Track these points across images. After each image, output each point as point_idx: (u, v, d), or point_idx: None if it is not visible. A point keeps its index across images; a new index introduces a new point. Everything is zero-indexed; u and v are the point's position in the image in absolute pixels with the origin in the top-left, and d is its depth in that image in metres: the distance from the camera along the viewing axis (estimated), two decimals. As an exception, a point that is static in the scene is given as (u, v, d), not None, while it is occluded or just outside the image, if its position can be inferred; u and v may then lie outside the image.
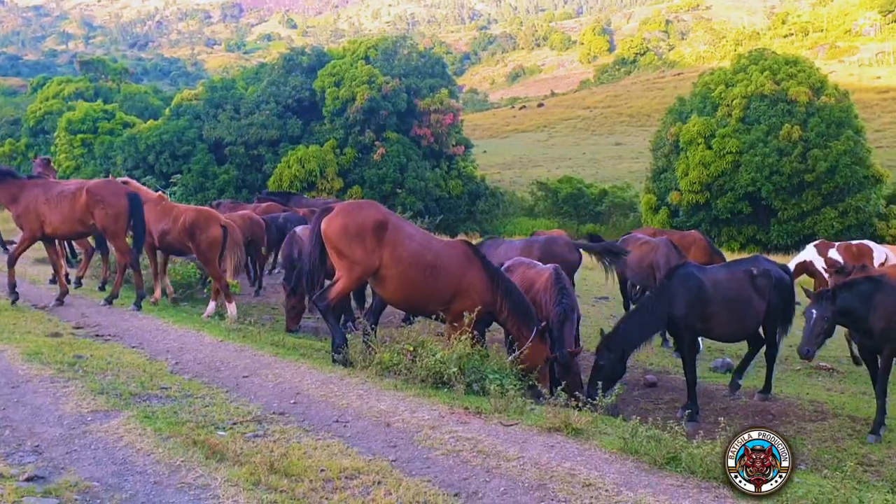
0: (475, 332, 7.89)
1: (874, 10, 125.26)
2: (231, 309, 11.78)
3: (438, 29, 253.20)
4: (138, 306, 11.63)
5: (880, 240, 43.74)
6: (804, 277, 15.79)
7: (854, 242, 16.01)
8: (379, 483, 4.90)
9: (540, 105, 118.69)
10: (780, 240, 42.28)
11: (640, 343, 9.08)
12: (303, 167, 45.13)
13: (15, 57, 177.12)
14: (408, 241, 8.18)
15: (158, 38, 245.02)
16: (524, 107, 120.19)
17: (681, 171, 44.53)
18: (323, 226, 8.19)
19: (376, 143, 47.51)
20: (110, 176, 42.06)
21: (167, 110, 51.98)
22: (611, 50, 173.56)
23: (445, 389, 7.04)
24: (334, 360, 8.07)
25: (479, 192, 52.35)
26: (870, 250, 15.37)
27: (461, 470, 5.23)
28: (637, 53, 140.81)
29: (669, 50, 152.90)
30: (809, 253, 15.61)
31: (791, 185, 42.33)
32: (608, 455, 5.55)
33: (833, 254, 15.34)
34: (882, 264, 15.17)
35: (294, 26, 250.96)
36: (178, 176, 43.58)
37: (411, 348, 7.33)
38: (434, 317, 8.61)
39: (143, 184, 42.73)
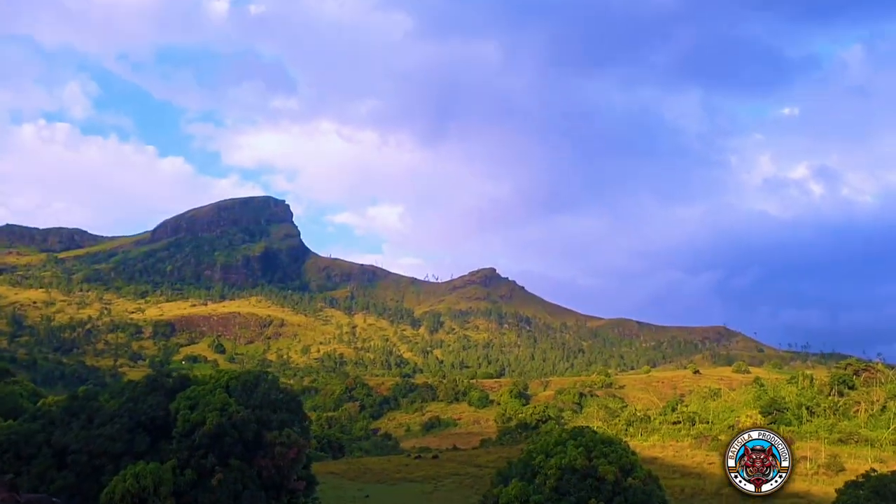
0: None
1: (755, 411, 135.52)
2: None
3: (364, 371, 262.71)
4: None
5: None
6: None
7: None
8: None
9: (434, 457, 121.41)
10: None
11: None
12: (137, 482, 46.42)
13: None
14: None
15: (85, 345, 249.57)
16: (419, 456, 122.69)
17: (497, 532, 46.83)
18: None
19: (217, 467, 49.51)
20: None
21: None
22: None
23: None
24: None
25: (316, 532, 53.34)
26: None
27: None
28: (539, 420, 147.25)
29: (569, 421, 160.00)
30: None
31: (589, 559, 44.63)
32: None
33: None
34: None
35: (222, 351, 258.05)
36: (10, 476, 44.69)
37: None
38: None
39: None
